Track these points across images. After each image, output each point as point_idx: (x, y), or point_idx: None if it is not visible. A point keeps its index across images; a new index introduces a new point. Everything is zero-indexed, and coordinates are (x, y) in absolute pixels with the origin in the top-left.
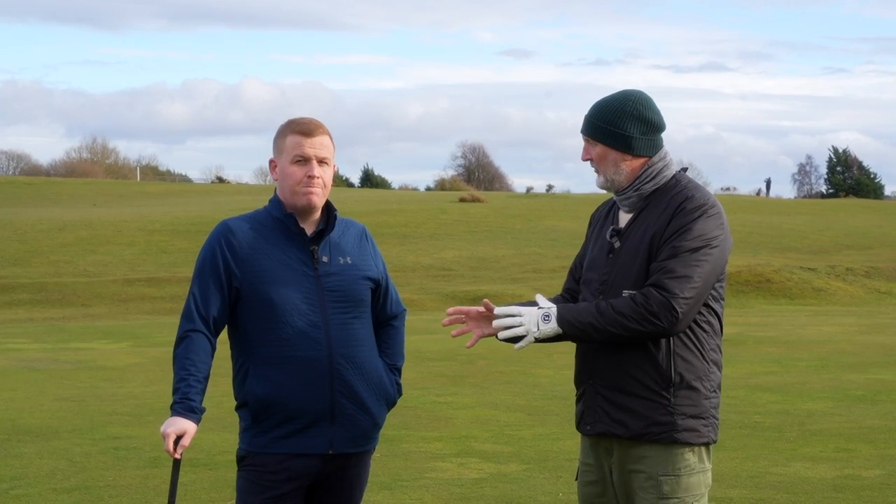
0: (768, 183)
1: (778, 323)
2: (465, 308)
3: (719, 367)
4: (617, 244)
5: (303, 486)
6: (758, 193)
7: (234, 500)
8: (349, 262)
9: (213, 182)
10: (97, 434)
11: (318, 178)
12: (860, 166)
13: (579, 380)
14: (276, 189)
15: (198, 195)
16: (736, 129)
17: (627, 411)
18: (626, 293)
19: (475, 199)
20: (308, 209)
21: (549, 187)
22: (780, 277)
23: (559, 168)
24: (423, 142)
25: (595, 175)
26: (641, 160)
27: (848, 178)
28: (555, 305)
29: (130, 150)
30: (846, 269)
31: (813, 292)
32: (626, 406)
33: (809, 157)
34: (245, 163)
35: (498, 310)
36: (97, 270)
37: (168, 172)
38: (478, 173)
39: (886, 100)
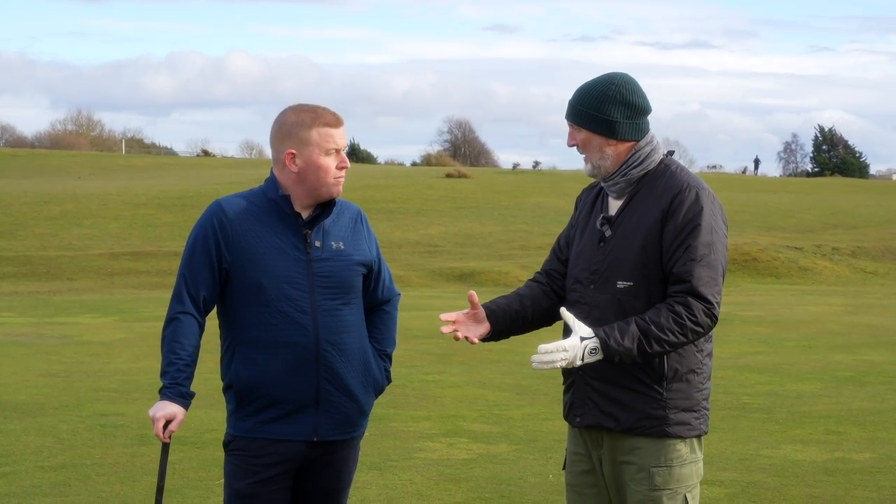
0: (756, 161)
1: (764, 302)
2: (453, 315)
3: (711, 357)
4: (608, 232)
5: (289, 470)
6: (744, 171)
7: (221, 480)
8: (342, 247)
9: (198, 155)
10: (84, 411)
11: (347, 167)
12: (846, 145)
13: (568, 370)
14: (272, 169)
15: (183, 168)
16: (721, 106)
17: (618, 404)
18: (663, 306)
19: (462, 175)
20: (333, 198)
21: (536, 163)
22: (766, 256)
23: (545, 144)
24: (408, 116)
25: (583, 162)
26: (627, 145)
27: (833, 156)
28: (595, 335)
29: (115, 122)
30: (832, 249)
31: (799, 271)
32: (617, 399)
33: (795, 136)
34: (230, 136)
35: (543, 347)
36: (83, 244)
37: (153, 145)
38: (464, 149)
39: (871, 79)
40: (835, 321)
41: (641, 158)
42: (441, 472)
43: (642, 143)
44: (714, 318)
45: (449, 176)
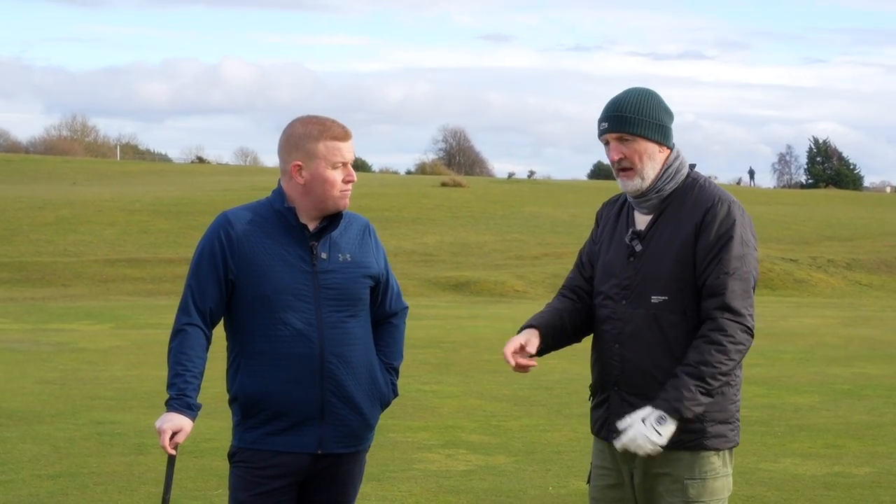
0: (752, 172)
1: (761, 314)
2: (514, 350)
3: (741, 368)
4: (638, 247)
5: (293, 482)
6: (738, 182)
7: (220, 490)
8: (349, 259)
9: (192, 162)
10: (80, 419)
11: (353, 181)
12: (840, 157)
13: (601, 386)
14: (279, 180)
15: (178, 175)
16: (715, 117)
17: None
18: (701, 342)
19: (457, 184)
20: (339, 212)
21: (531, 173)
22: (761, 268)
23: (539, 153)
24: (403, 125)
25: (624, 178)
26: (668, 152)
27: (828, 168)
28: (651, 408)
29: (110, 128)
30: (828, 261)
31: (794, 283)
32: None
33: (790, 147)
34: (225, 143)
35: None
36: (77, 250)
37: (148, 151)
38: (458, 157)
39: (864, 91)
40: (831, 334)
41: (674, 173)
42: (440, 484)
43: (672, 155)
44: (750, 332)
45: (444, 185)
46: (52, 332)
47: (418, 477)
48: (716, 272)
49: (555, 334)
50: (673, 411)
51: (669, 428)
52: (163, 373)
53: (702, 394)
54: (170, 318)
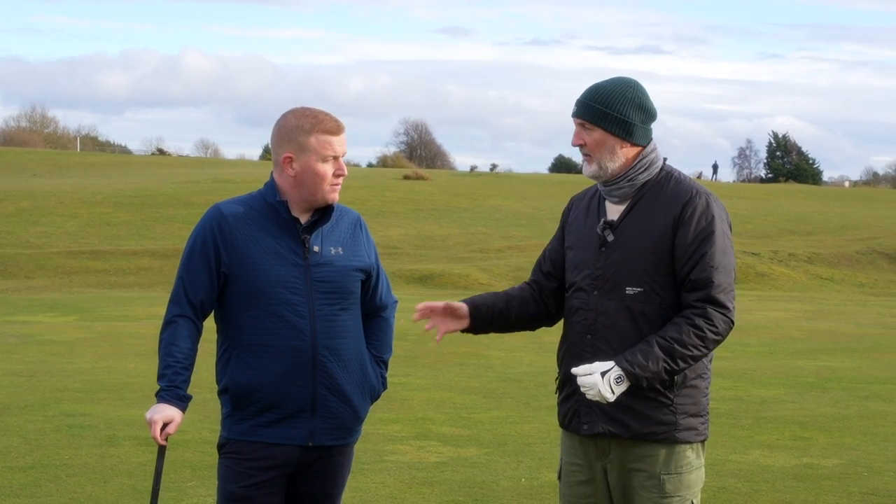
0: (715, 167)
1: None
2: (432, 304)
3: (712, 362)
4: (610, 237)
5: (283, 474)
6: (699, 176)
7: (194, 482)
8: (341, 252)
9: (153, 154)
10: (50, 411)
11: (344, 175)
12: (799, 151)
13: (571, 377)
14: (272, 173)
15: (139, 167)
16: (673, 111)
17: (629, 411)
18: (682, 321)
19: (419, 177)
20: (330, 205)
21: (493, 166)
22: None
23: (499, 147)
24: (363, 117)
25: (585, 163)
26: (637, 149)
27: (787, 163)
28: (615, 364)
29: (69, 119)
30: (789, 255)
31: (756, 277)
32: (627, 406)
33: (750, 142)
34: (185, 135)
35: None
36: (40, 242)
37: (108, 143)
38: (420, 150)
39: (820, 86)
40: (794, 327)
41: (648, 164)
42: (413, 476)
43: (648, 148)
44: (732, 324)
45: (407, 178)
46: (17, 324)
47: (391, 469)
48: (700, 266)
49: (492, 315)
50: (632, 377)
51: (623, 388)
52: (130, 365)
53: (665, 371)
54: (135, 311)
